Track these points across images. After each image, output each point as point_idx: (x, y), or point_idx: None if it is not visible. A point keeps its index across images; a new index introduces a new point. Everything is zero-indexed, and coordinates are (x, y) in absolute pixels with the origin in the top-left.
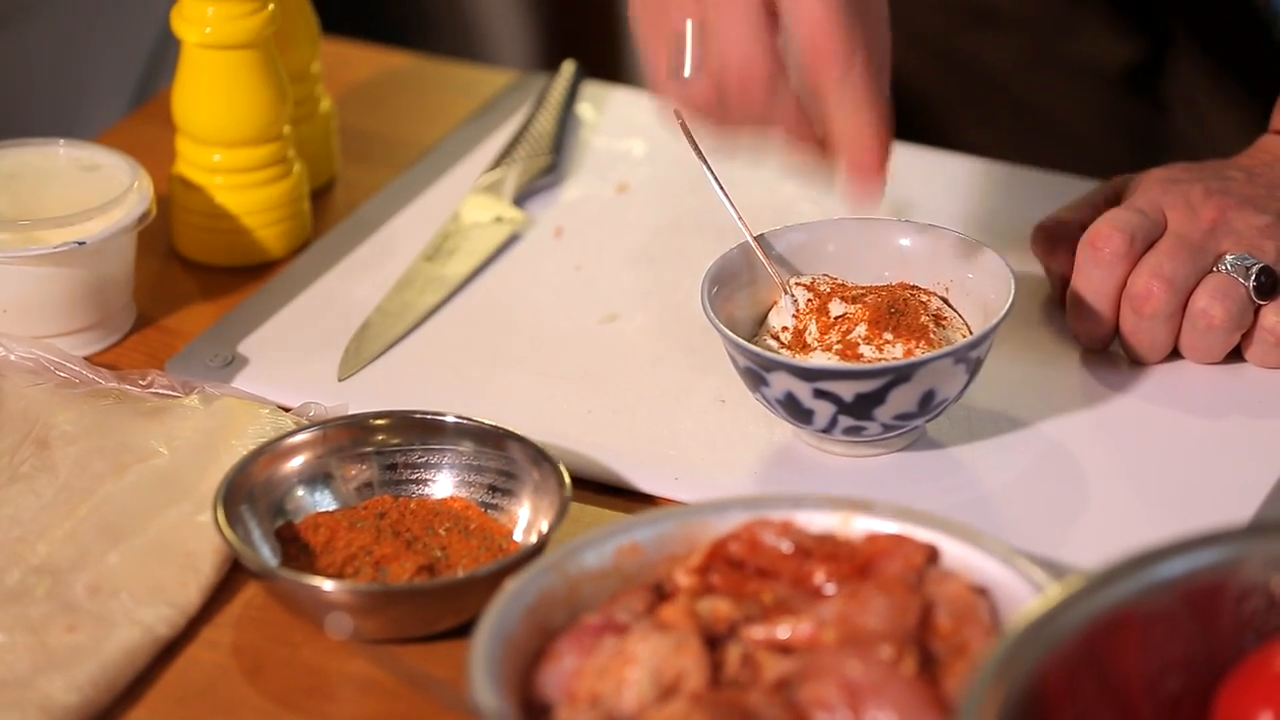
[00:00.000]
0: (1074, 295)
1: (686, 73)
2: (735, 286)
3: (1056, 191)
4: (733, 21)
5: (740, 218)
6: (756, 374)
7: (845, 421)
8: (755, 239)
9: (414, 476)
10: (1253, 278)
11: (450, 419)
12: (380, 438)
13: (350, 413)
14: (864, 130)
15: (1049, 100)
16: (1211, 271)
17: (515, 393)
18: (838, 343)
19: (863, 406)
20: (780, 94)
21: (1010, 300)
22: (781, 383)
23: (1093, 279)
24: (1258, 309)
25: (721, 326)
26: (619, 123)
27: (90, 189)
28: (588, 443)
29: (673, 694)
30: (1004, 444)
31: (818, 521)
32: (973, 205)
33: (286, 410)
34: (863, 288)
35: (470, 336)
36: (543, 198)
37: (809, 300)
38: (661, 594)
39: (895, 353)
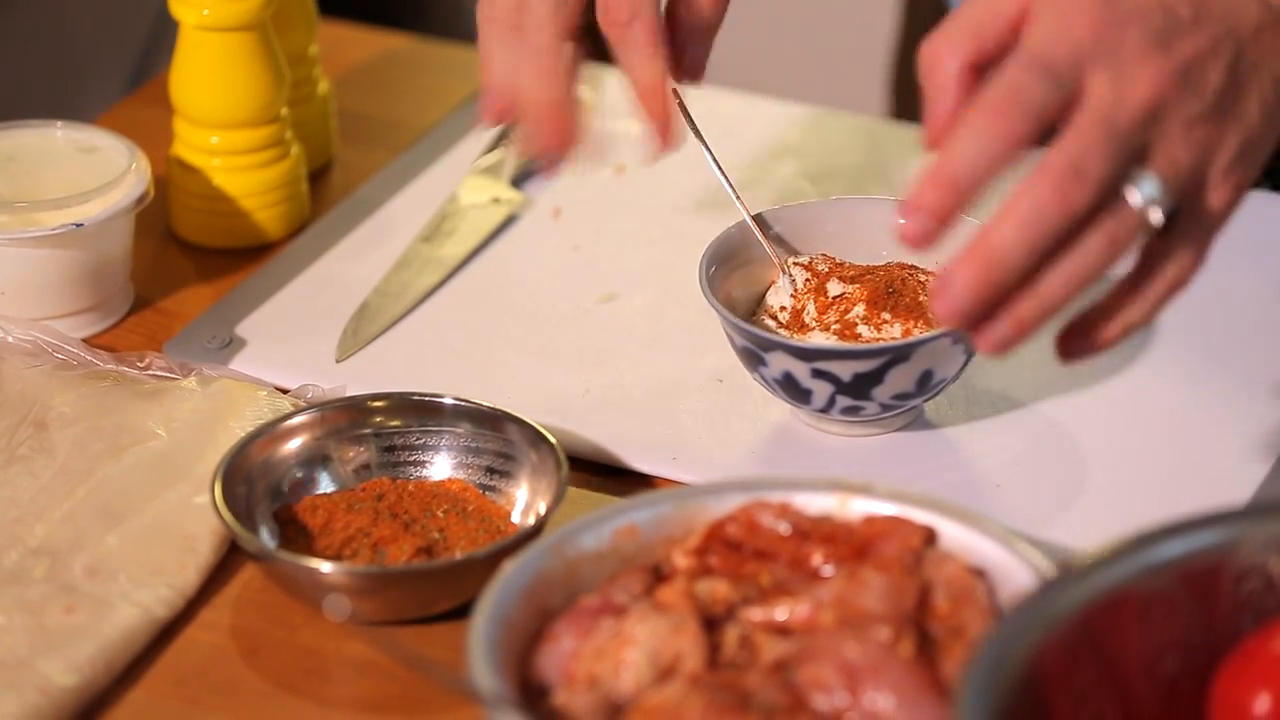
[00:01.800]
0: (943, 160)
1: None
2: (733, 266)
3: None
4: None
5: (738, 197)
6: (754, 354)
7: (843, 401)
8: (753, 218)
9: (412, 458)
10: (1162, 209)
11: (448, 400)
12: (378, 419)
13: (348, 394)
14: (643, 79)
15: None
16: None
17: (513, 373)
18: (836, 322)
19: (861, 386)
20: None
21: None
22: (779, 362)
23: (974, 151)
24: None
25: (719, 306)
26: (616, 104)
27: (88, 171)
28: (585, 423)
29: (670, 675)
30: (1002, 424)
31: (815, 503)
32: None
33: (284, 392)
34: (861, 267)
35: (468, 318)
36: (540, 179)
37: (807, 280)
38: (659, 575)
39: (893, 332)
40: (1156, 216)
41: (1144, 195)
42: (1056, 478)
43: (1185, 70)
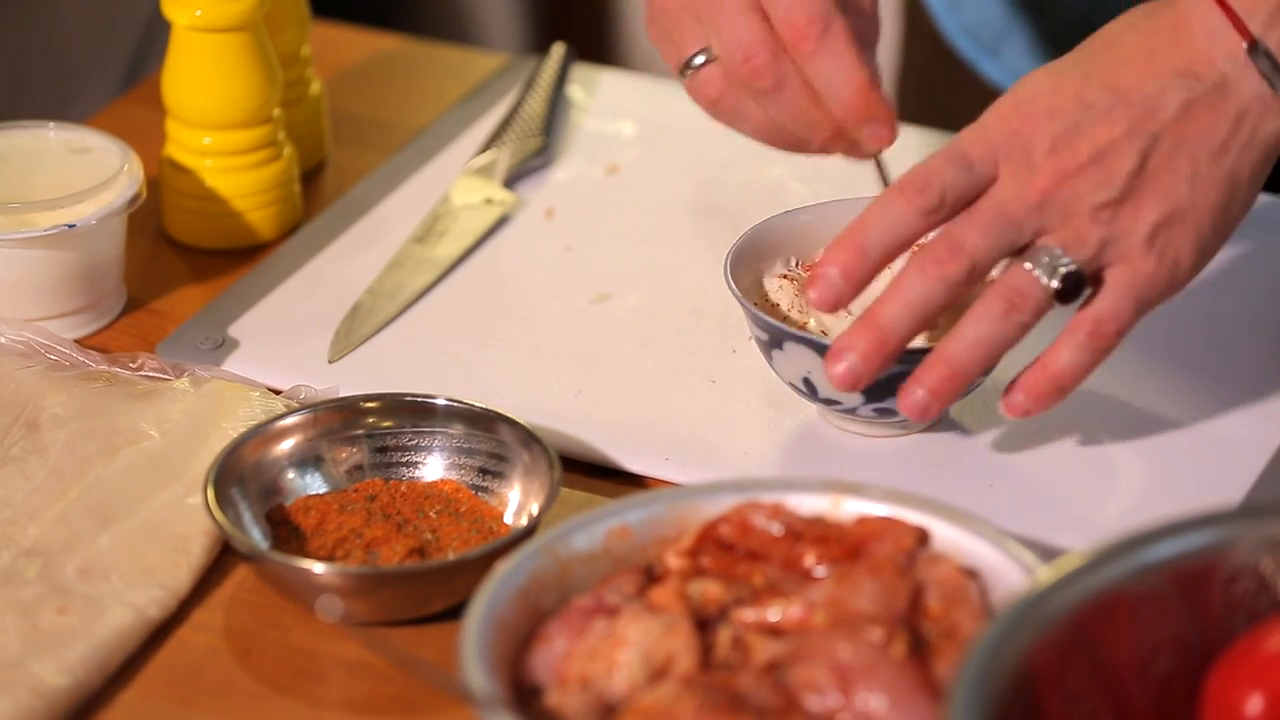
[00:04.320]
0: (854, 227)
1: (696, 63)
2: (760, 260)
3: None
4: (728, 19)
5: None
6: (771, 344)
7: (863, 402)
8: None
9: (404, 459)
10: (1058, 280)
11: (441, 401)
12: (371, 420)
13: (341, 395)
14: (846, 86)
15: None
16: (1020, 255)
17: (506, 374)
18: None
19: (880, 390)
20: (786, 74)
21: None
22: (798, 356)
23: (881, 219)
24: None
25: (742, 298)
26: (609, 104)
27: (80, 172)
28: (578, 423)
29: (663, 676)
30: (995, 424)
31: (808, 504)
32: None
33: (277, 393)
34: None
35: (461, 318)
36: (533, 179)
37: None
38: (652, 576)
39: (918, 341)
40: (1055, 284)
41: (1040, 264)
42: (1048, 478)
43: (1092, 159)
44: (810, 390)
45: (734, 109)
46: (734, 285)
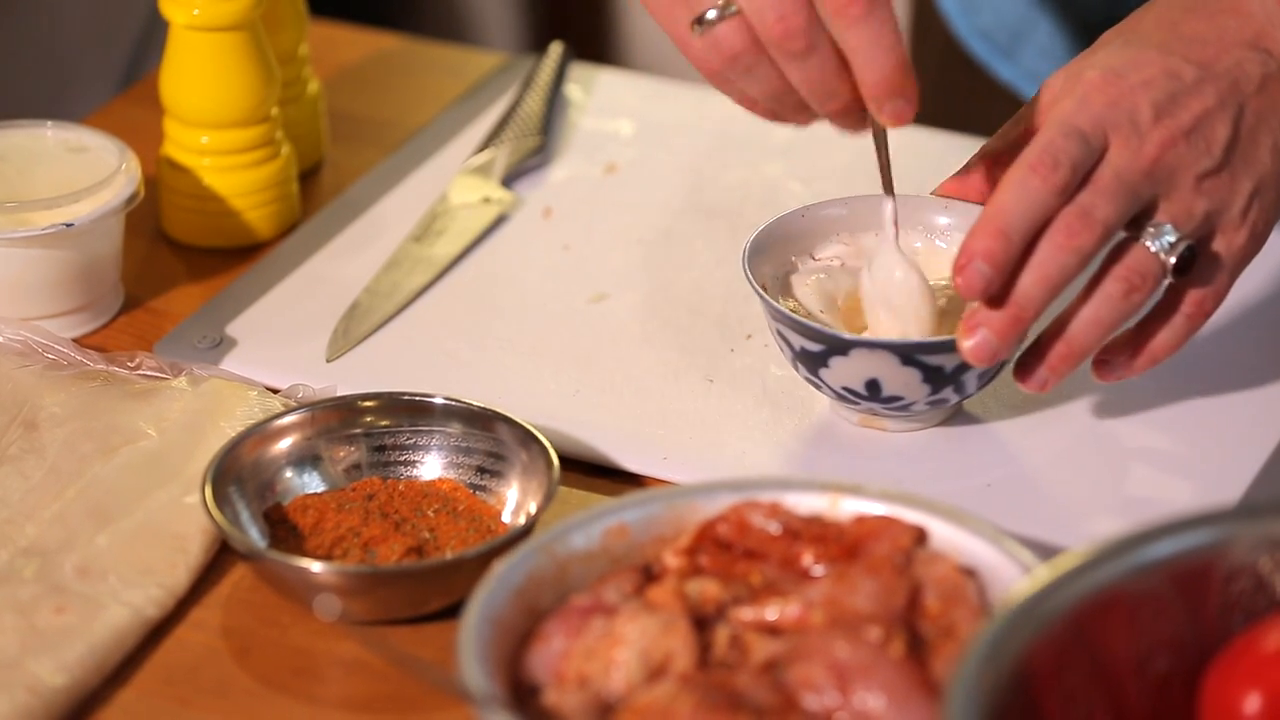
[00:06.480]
0: (992, 213)
1: (710, 18)
2: (769, 261)
3: None
4: None
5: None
6: (825, 354)
7: (927, 395)
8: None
9: (402, 458)
10: (1175, 256)
11: (438, 400)
12: (369, 419)
13: (338, 394)
14: (890, 56)
15: None
16: (1135, 238)
17: (504, 373)
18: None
19: (942, 381)
20: (820, 38)
21: None
22: (866, 363)
23: (1020, 202)
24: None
25: (786, 310)
26: (607, 103)
27: (78, 171)
28: (576, 422)
29: (661, 675)
30: (990, 427)
31: (806, 503)
32: None
33: (275, 392)
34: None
35: (458, 317)
36: (531, 178)
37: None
38: (650, 575)
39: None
40: (1173, 261)
41: (1160, 242)
42: (1047, 477)
43: (1193, 128)
44: (873, 393)
45: (749, 69)
46: (768, 297)
